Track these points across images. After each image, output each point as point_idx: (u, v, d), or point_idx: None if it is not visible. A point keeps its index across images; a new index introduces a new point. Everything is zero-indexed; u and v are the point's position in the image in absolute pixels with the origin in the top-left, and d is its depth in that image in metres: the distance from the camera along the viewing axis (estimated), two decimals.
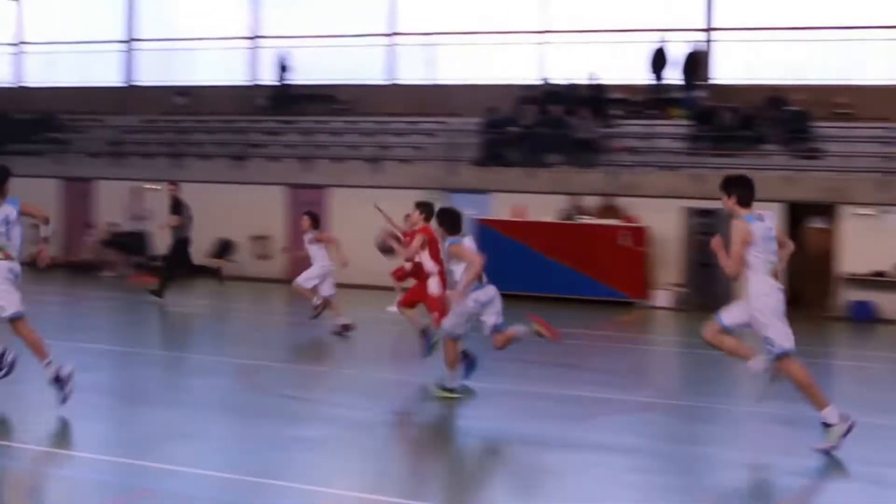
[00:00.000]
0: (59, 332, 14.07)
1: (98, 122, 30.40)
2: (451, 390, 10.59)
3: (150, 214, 25.58)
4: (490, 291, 10.71)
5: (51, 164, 28.19)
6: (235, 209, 25.87)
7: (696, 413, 10.92)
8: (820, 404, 8.56)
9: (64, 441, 8.63)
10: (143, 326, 17.21)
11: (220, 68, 30.90)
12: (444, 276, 12.35)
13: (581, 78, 26.21)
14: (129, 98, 31.52)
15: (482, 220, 23.28)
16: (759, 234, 8.43)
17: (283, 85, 29.46)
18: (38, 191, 27.36)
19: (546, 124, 25.09)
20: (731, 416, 10.92)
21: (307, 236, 15.94)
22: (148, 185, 26.46)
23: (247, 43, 31.27)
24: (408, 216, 14.83)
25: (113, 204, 27.49)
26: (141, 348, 14.13)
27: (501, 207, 24.02)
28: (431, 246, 12.60)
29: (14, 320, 9.23)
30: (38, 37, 33.89)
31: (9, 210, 9.41)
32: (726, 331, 8.74)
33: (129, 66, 32.66)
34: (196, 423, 9.27)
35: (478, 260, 10.60)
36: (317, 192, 25.49)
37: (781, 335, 8.50)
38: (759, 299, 8.49)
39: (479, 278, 10.68)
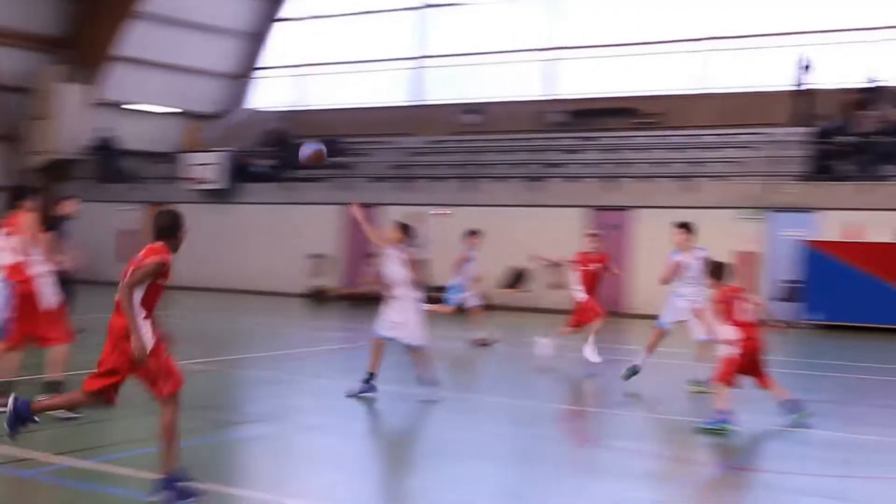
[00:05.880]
0: (338, 372, 14.54)
1: (383, 144, 32.52)
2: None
3: (428, 242, 25.18)
4: None
5: (332, 189, 30.08)
6: (530, 234, 26.32)
7: None
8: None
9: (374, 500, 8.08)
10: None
11: (513, 83, 32.38)
12: None
13: None
14: (416, 118, 33.31)
15: (809, 242, 23.74)
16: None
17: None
18: (319, 218, 30.32)
19: (885, 132, 24.97)
20: None
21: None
22: (434, 211, 27.46)
23: (543, 55, 32.60)
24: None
25: None
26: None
27: (831, 227, 23.91)
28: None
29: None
30: (319, 57, 36.62)
31: None
32: None
33: (417, 85, 34.77)
34: (524, 481, 8.46)
35: None
36: (620, 214, 26.24)
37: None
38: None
39: None
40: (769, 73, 28.78)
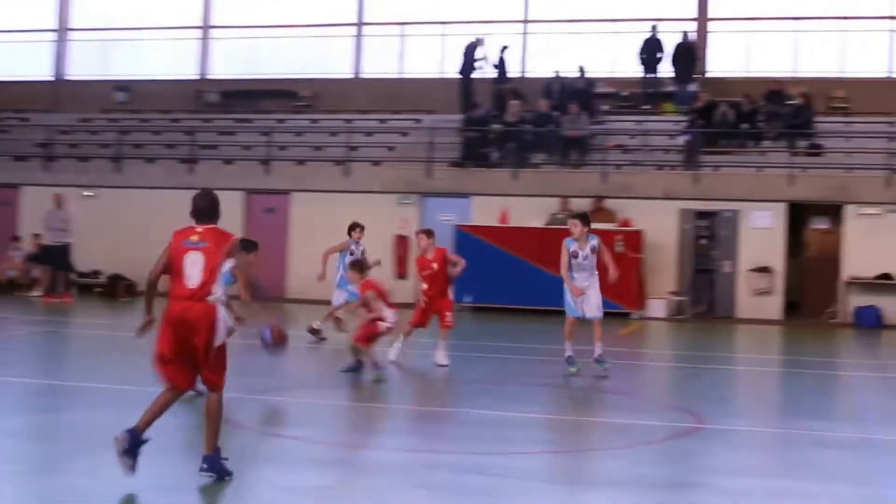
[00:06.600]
0: None
1: (25, 121, 30.73)
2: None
3: (72, 225, 24.26)
4: None
5: None
6: (184, 219, 25.91)
7: (740, 439, 10.67)
8: None
9: None
10: (74, 356, 16.69)
11: (166, 61, 31.53)
12: None
13: (568, 71, 27.31)
14: (61, 94, 31.96)
15: (461, 226, 24.52)
16: None
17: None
18: None
19: (531, 121, 26.10)
20: (783, 440, 10.79)
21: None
22: (86, 192, 26.80)
23: (196, 34, 31.96)
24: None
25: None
26: (76, 382, 13.08)
27: (482, 212, 24.99)
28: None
29: None
30: None
31: None
32: None
33: (60, 59, 33.07)
34: (172, 472, 8.23)
35: None
36: (278, 197, 26.21)
37: None
38: None
39: None
40: (426, 60, 29.59)
